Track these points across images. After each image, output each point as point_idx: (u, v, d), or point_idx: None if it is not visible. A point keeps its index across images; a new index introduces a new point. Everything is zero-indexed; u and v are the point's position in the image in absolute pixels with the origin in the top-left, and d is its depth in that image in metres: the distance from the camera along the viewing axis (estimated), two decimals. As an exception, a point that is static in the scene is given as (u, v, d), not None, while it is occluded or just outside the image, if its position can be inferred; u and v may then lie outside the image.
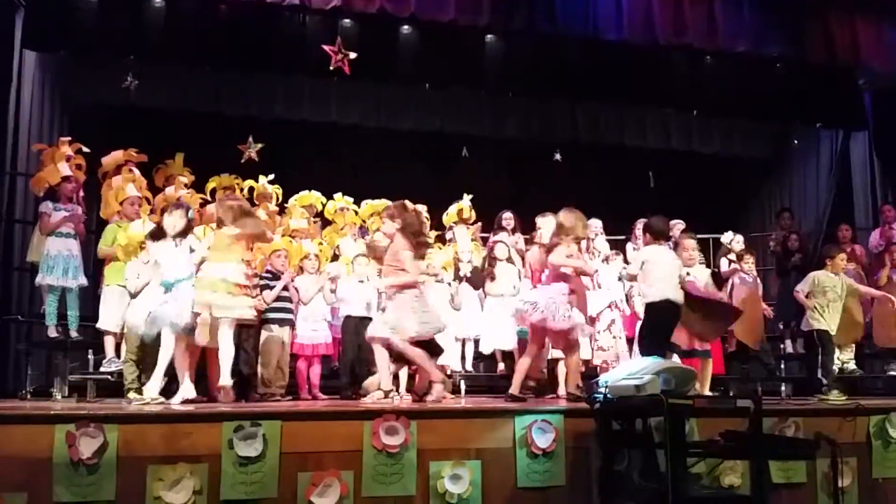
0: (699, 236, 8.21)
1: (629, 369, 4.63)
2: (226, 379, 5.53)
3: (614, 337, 7.56)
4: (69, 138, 7.04)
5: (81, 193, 6.87)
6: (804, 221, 10.25)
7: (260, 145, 9.13)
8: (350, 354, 6.80)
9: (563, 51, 8.65)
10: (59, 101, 8.66)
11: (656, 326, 5.96)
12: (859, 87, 9.69)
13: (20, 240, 7.50)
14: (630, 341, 7.67)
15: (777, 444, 4.63)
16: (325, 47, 7.93)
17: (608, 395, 4.47)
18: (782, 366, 8.51)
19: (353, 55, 7.97)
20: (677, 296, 5.94)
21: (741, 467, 4.90)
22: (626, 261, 8.12)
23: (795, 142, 10.69)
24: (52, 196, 6.72)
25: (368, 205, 7.76)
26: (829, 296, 7.13)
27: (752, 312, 7.54)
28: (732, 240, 8.07)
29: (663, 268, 5.98)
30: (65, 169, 6.69)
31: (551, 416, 4.77)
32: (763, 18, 8.69)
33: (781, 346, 8.65)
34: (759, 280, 8.06)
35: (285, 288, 6.70)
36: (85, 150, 6.93)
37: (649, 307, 6.00)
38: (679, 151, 10.50)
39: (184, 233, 5.66)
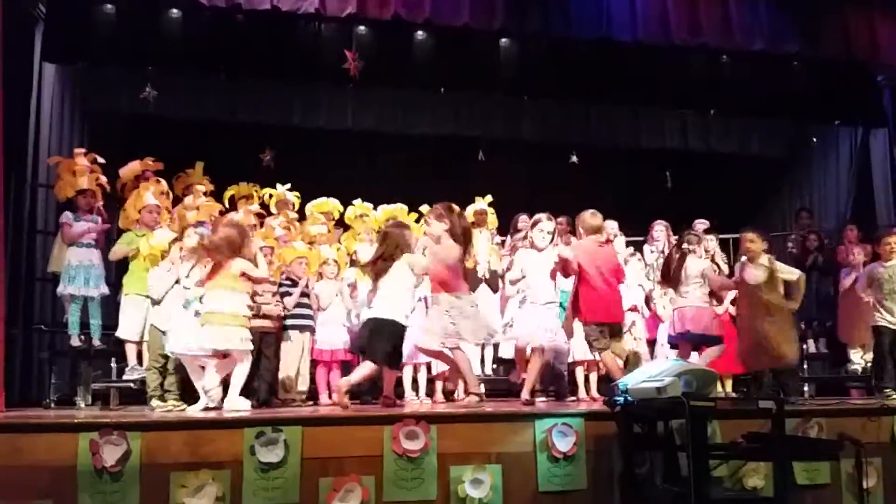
0: (721, 236, 8.22)
1: (649, 371, 4.61)
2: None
3: (635, 339, 7.52)
4: (84, 149, 7.10)
5: (100, 203, 6.92)
6: (825, 220, 10.17)
7: (273, 152, 9.22)
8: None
9: (577, 52, 8.63)
10: (79, 113, 8.76)
11: None
12: (878, 84, 9.61)
13: (42, 250, 7.58)
14: (651, 344, 7.65)
15: (800, 445, 4.59)
16: (348, 53, 7.96)
17: (629, 398, 4.46)
18: (805, 365, 8.44)
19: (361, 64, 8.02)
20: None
21: (764, 469, 4.86)
22: (644, 262, 8.11)
23: (814, 140, 10.61)
24: (72, 206, 6.79)
25: (384, 210, 7.78)
26: (885, 287, 6.80)
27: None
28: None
29: None
30: (83, 182, 6.74)
31: (571, 420, 4.76)
32: (779, 16, 8.62)
33: (804, 345, 8.56)
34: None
35: (306, 294, 6.74)
36: (100, 160, 6.99)
37: None
38: (697, 151, 10.46)
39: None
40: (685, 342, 6.55)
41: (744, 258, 6.53)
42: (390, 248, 5.82)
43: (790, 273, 6.40)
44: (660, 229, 8.35)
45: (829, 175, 10.59)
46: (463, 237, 5.81)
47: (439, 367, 6.94)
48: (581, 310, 6.20)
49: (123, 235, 6.83)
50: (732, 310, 7.15)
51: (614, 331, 6.22)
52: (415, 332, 6.00)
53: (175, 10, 7.66)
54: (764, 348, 6.17)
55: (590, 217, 6.31)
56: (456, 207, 6.09)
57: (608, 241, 6.67)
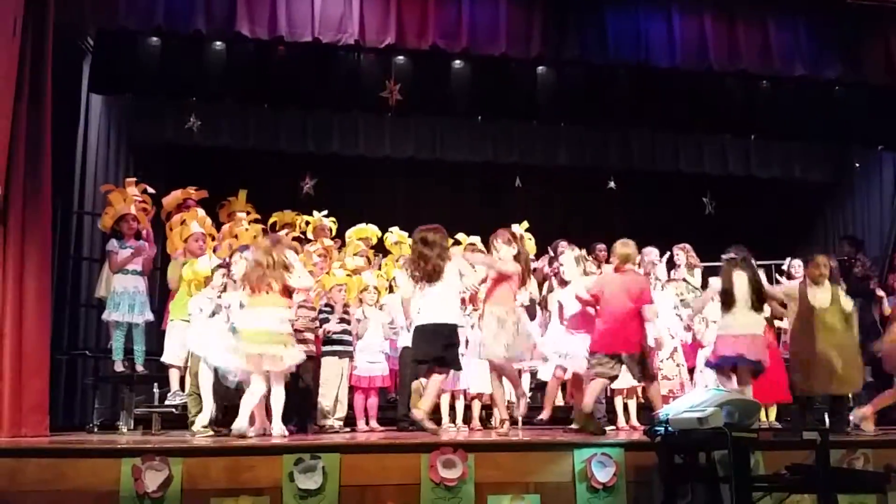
0: (759, 262, 8.11)
1: (691, 401, 4.56)
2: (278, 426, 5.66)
3: (678, 365, 7.44)
4: (135, 178, 7.27)
5: (145, 231, 7.05)
6: (868, 245, 9.99)
7: (313, 180, 9.35)
8: (409, 386, 6.81)
9: (615, 79, 8.62)
10: (125, 143, 8.99)
11: None
12: (922, 108, 9.44)
13: (87, 277, 7.74)
14: (691, 371, 7.55)
15: (845, 477, 4.49)
16: (389, 83, 8.06)
17: (670, 428, 4.41)
18: (850, 395, 8.24)
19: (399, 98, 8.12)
20: None
21: (809, 501, 4.76)
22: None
23: (857, 165, 10.48)
24: (119, 234, 6.92)
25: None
26: None
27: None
28: (791, 265, 7.92)
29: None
30: (122, 208, 6.89)
31: (611, 450, 4.71)
32: (819, 41, 8.52)
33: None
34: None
35: (345, 321, 6.78)
36: (150, 190, 7.16)
37: None
38: (737, 177, 10.37)
39: None
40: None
41: (807, 280, 6.56)
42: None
43: (847, 303, 6.42)
44: (678, 253, 8.26)
45: (872, 200, 10.42)
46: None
47: (476, 392, 6.94)
48: (595, 339, 6.23)
49: (171, 264, 6.95)
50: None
51: (634, 359, 6.17)
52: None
53: (219, 43, 7.80)
54: (828, 372, 6.18)
55: (620, 246, 6.34)
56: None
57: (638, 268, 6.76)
